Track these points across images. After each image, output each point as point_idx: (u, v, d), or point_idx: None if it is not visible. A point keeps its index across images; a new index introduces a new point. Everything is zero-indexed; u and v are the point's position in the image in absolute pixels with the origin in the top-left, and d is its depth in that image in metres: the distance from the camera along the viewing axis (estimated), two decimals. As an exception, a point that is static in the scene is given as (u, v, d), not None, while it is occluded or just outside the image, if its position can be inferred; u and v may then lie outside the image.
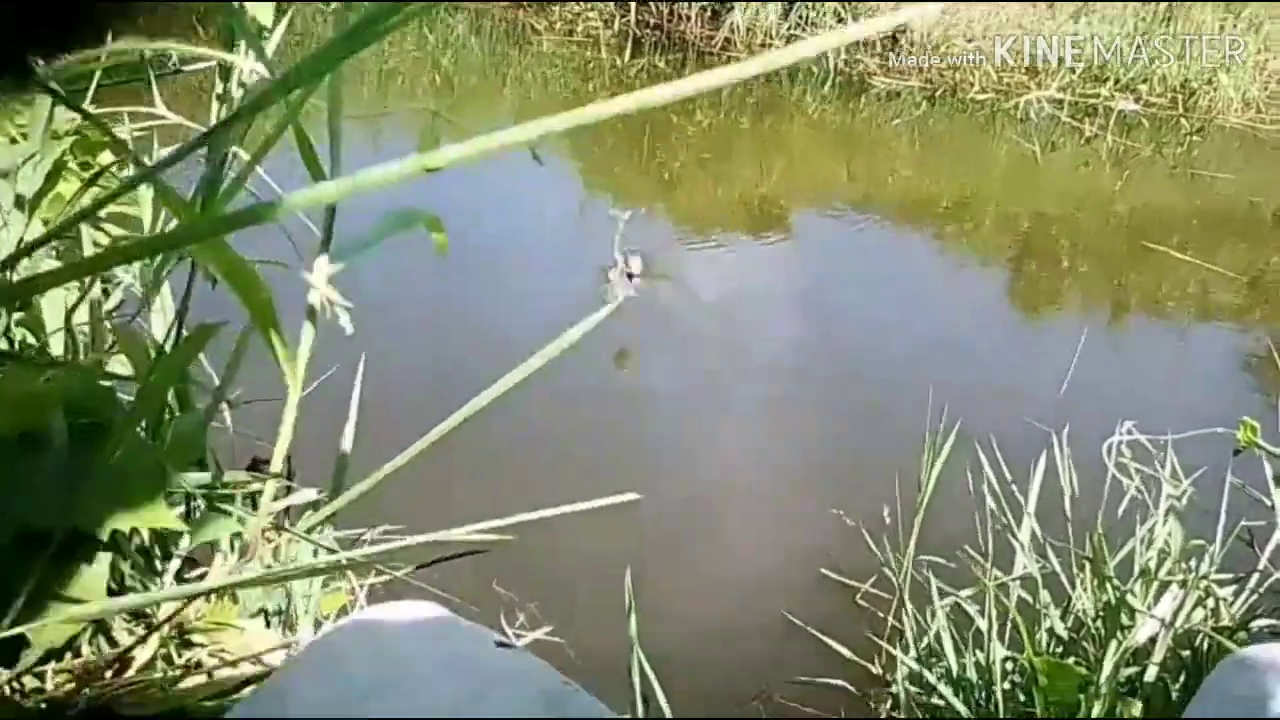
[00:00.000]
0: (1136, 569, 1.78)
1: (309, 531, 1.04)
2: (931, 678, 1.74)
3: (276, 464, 0.63)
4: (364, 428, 1.35)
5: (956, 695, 1.71)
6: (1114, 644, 1.57)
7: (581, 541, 2.23)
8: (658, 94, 0.43)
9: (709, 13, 6.81)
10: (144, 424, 0.89)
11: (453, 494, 2.30)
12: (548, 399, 2.80)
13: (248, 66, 0.79)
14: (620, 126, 5.35)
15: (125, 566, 0.74)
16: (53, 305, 0.75)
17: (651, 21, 6.86)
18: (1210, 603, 1.73)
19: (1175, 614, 1.67)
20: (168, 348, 0.73)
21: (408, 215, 0.75)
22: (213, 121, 0.79)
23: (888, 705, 1.84)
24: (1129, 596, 1.70)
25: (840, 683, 1.94)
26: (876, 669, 1.90)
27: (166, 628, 0.65)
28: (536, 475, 2.56)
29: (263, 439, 1.69)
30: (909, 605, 1.84)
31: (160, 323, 0.91)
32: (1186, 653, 1.66)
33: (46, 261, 0.83)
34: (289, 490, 0.71)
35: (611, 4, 6.94)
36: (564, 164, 4.70)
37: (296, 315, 0.91)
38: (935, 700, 1.74)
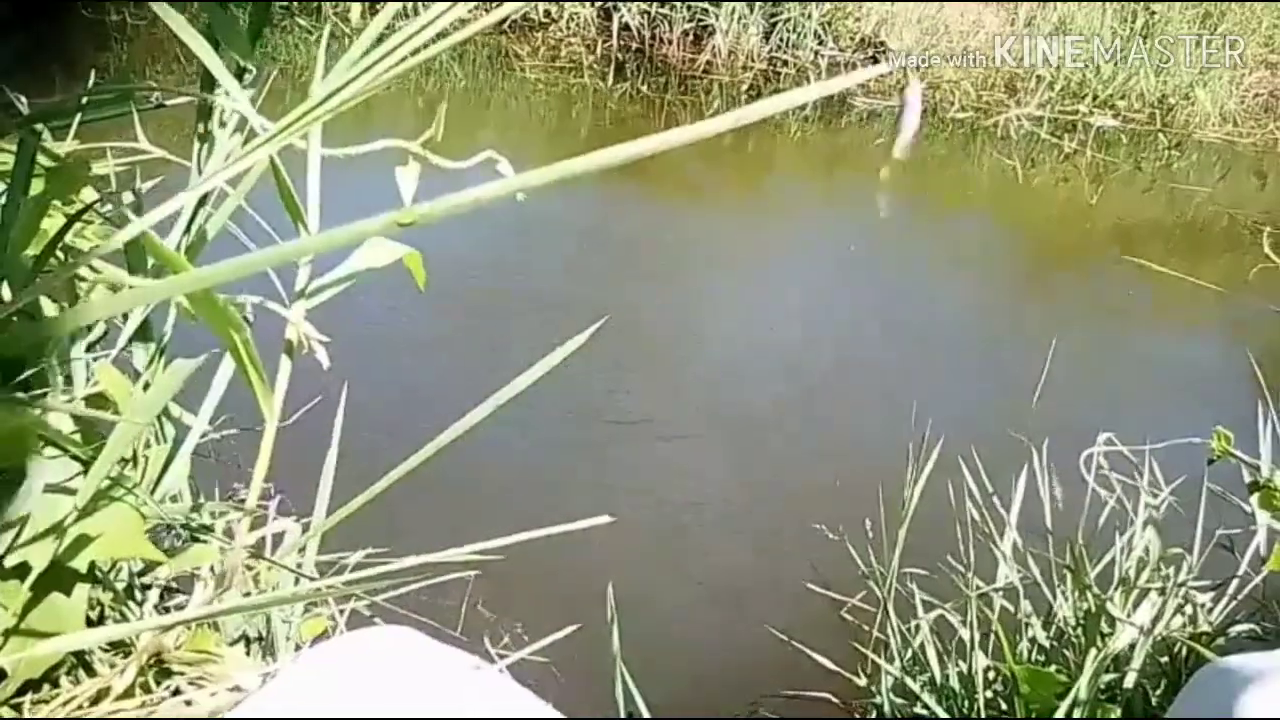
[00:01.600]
0: (1116, 577, 1.80)
1: (298, 558, 1.06)
2: (915, 686, 1.75)
3: (253, 497, 0.65)
4: (355, 451, 1.37)
5: (940, 704, 1.72)
6: (1093, 651, 1.59)
7: (566, 561, 2.24)
8: (676, 136, 0.45)
9: (691, 37, 6.88)
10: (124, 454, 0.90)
11: (441, 516, 2.32)
12: (534, 416, 2.82)
13: (228, 106, 0.81)
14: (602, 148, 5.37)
15: (105, 597, 0.76)
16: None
17: (634, 46, 6.93)
18: (1189, 609, 1.76)
19: (1154, 621, 1.69)
20: (150, 380, 0.75)
21: (387, 250, 0.77)
22: (194, 159, 0.82)
23: (873, 716, 1.86)
24: (1109, 604, 1.72)
25: (825, 695, 1.96)
26: (861, 680, 1.92)
27: (145, 657, 0.67)
28: (521, 493, 2.58)
29: (246, 466, 1.70)
30: (893, 617, 1.86)
31: (143, 354, 0.93)
32: (1166, 659, 1.68)
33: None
34: (266, 519, 0.73)
35: (594, 30, 7.01)
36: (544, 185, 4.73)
37: (275, 342, 0.93)
38: (919, 710, 1.75)
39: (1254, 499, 1.52)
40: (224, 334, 0.50)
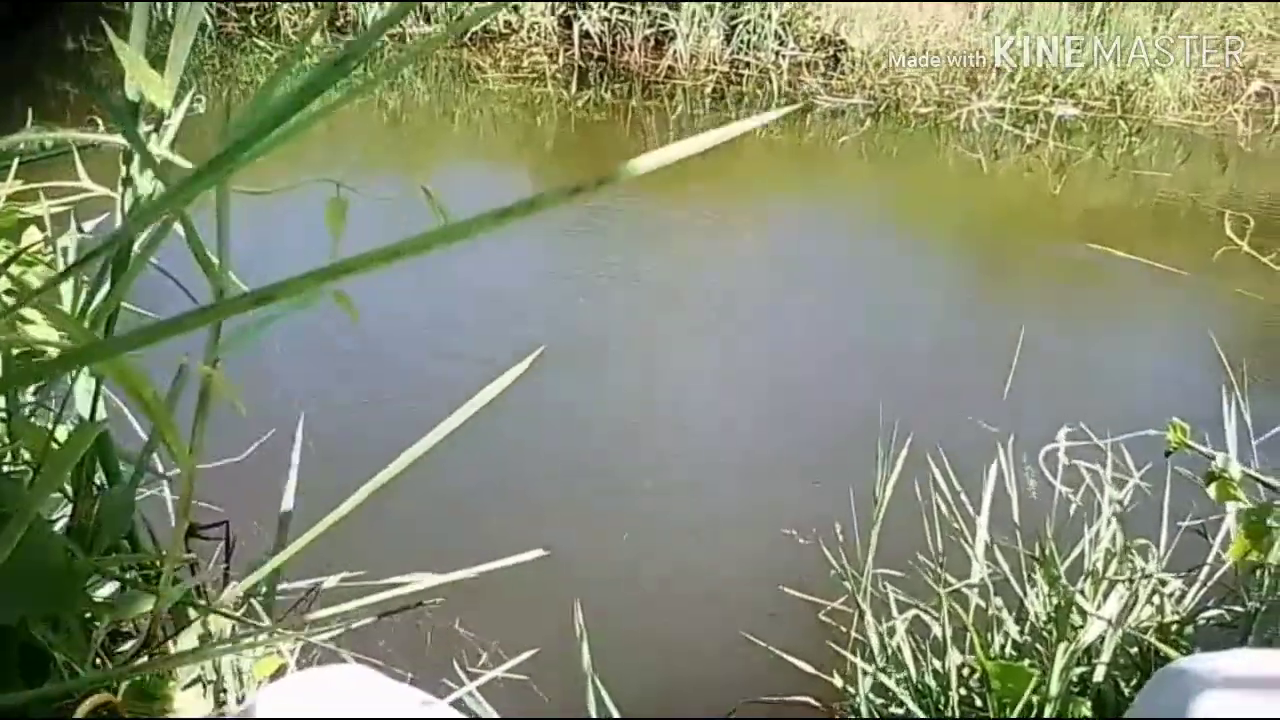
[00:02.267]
0: (1086, 570, 1.81)
1: (257, 591, 1.05)
2: (890, 683, 1.76)
3: (176, 545, 0.64)
4: (311, 485, 1.36)
5: (916, 702, 1.73)
6: (1063, 645, 1.60)
7: (542, 575, 2.23)
8: (644, 162, 0.46)
9: (652, 42, 6.89)
10: (71, 501, 0.89)
11: (408, 540, 2.31)
12: (506, 434, 2.81)
13: (156, 152, 0.81)
14: (574, 158, 5.40)
15: (53, 649, 0.75)
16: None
17: (595, 54, 6.93)
18: (1157, 599, 1.77)
19: (1122, 613, 1.70)
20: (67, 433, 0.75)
21: (310, 293, 0.76)
22: (119, 204, 0.81)
23: (852, 718, 1.86)
24: (1078, 597, 1.73)
25: (804, 698, 1.96)
26: (839, 682, 1.92)
27: (89, 708, 0.66)
28: (497, 510, 2.57)
29: (211, 503, 1.69)
30: (869, 617, 1.87)
31: (85, 401, 0.92)
32: (1135, 650, 1.69)
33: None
34: (197, 565, 0.72)
35: (555, 39, 7.00)
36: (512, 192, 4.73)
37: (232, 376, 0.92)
38: (895, 709, 1.76)
39: (1211, 490, 1.53)
40: (130, 392, 0.50)
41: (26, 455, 0.66)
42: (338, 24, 6.66)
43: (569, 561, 2.33)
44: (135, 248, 0.72)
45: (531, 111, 6.24)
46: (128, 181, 0.75)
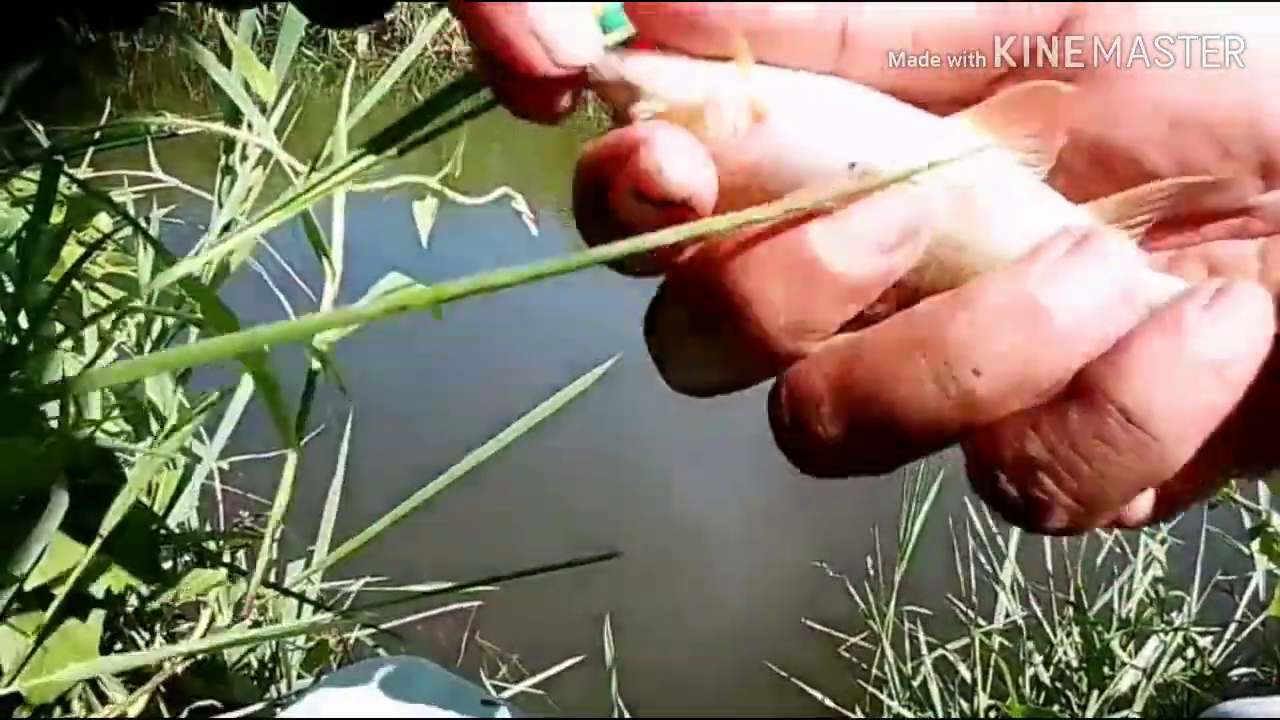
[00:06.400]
0: (1116, 619, 1.80)
1: (302, 585, 1.06)
2: (911, 716, 1.75)
3: (273, 526, 0.65)
4: (362, 477, 1.38)
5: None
6: (1095, 693, 1.59)
7: (565, 592, 2.24)
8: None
9: (694, 71, 6.94)
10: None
11: (442, 546, 2.31)
12: (530, 447, 2.82)
13: (251, 141, 0.83)
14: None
15: (118, 621, 0.76)
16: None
17: (638, 80, 6.98)
18: (1190, 652, 1.76)
19: (1155, 664, 1.69)
20: (169, 411, 0.76)
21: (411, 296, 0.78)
22: (216, 192, 0.83)
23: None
24: (1113, 644, 1.72)
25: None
26: (859, 715, 1.91)
27: (157, 684, 0.67)
28: (517, 525, 2.57)
29: (248, 493, 1.71)
30: (890, 655, 1.86)
31: (156, 386, 0.94)
32: (1167, 702, 1.68)
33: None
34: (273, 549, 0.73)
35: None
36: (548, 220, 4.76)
37: (292, 374, 0.93)
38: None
39: (1255, 544, 1.52)
40: (251, 367, 0.51)
41: (117, 426, 0.68)
42: (384, 38, 6.75)
43: (592, 581, 2.33)
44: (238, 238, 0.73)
45: (571, 132, 6.29)
46: (227, 169, 0.77)
